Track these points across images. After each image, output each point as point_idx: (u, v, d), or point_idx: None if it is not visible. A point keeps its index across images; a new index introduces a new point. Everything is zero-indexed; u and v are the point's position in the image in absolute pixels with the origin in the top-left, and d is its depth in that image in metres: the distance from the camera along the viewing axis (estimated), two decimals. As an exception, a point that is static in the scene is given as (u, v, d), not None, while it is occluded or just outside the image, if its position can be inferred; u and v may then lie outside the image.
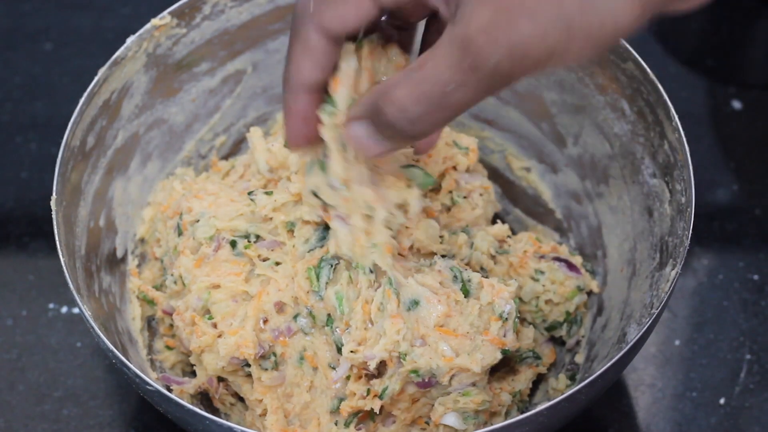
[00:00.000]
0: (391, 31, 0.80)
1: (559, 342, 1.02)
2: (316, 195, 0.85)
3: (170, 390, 0.95)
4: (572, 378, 0.99)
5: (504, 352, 0.87)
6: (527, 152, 1.08)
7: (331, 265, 0.88)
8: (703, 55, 1.28)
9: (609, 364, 0.81)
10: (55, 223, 0.89)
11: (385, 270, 0.86)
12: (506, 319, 0.87)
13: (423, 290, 0.86)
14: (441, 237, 0.95)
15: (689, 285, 1.12)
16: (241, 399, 0.97)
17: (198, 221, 0.95)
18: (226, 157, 1.09)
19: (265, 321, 0.91)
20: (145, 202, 1.03)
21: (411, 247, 0.93)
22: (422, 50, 0.78)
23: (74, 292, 0.86)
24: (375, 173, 0.85)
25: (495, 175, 1.09)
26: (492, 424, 0.82)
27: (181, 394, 0.95)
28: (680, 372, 1.06)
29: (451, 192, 1.00)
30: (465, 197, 1.00)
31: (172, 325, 0.98)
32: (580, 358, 1.00)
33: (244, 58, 1.05)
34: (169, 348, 1.00)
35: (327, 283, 0.88)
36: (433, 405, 0.90)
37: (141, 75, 0.99)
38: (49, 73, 1.27)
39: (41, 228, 1.15)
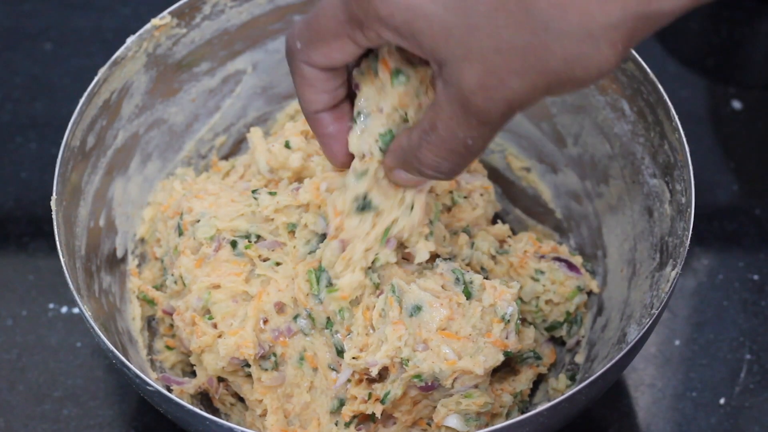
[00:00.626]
0: None
1: (559, 342, 1.02)
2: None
3: (170, 390, 0.95)
4: (572, 378, 0.99)
5: (506, 353, 0.87)
6: (527, 152, 1.08)
7: (331, 267, 0.88)
8: (703, 55, 1.28)
9: (609, 365, 0.81)
10: (55, 223, 0.89)
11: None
12: (508, 320, 0.87)
13: (425, 295, 0.86)
14: (444, 238, 0.95)
15: (689, 285, 1.12)
16: (241, 399, 0.97)
17: (198, 221, 0.95)
18: (226, 157, 1.09)
19: (265, 321, 0.91)
20: (145, 202, 1.03)
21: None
22: None
23: (74, 292, 0.86)
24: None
25: (495, 175, 1.09)
26: (493, 425, 0.82)
27: (181, 394, 0.95)
28: (680, 372, 1.06)
29: (451, 192, 1.00)
30: (465, 197, 1.00)
31: (172, 325, 0.98)
32: (580, 359, 1.00)
33: (244, 58, 1.05)
34: (169, 348, 1.00)
35: (327, 286, 0.88)
36: (434, 407, 0.90)
37: (141, 75, 0.99)
38: (49, 73, 1.27)
39: (41, 228, 1.15)
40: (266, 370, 0.92)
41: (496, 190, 1.08)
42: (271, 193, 0.94)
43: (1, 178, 1.19)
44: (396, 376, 0.86)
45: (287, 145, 0.96)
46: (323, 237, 0.89)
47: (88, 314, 0.85)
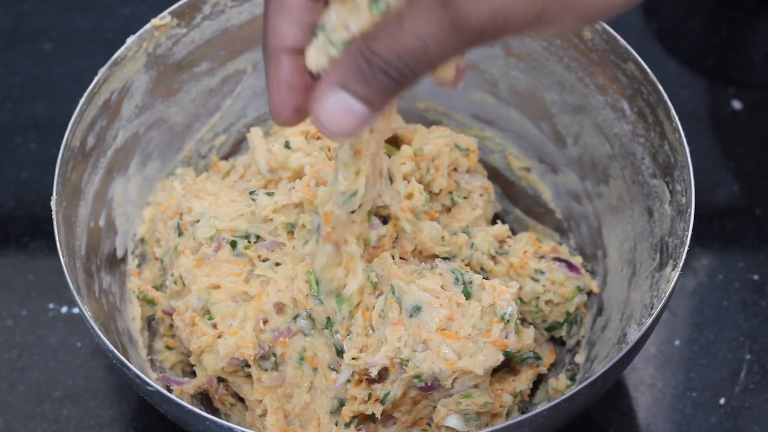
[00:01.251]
0: None
1: (559, 342, 1.02)
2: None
3: (170, 390, 0.95)
4: (572, 378, 0.99)
5: (506, 353, 0.87)
6: (527, 152, 1.08)
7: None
8: (703, 55, 1.28)
9: (609, 365, 0.81)
10: (55, 223, 0.88)
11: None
12: (508, 320, 0.87)
13: (425, 295, 0.86)
14: (442, 238, 0.95)
15: (689, 285, 1.12)
16: (241, 399, 0.97)
17: (198, 221, 0.95)
18: (226, 157, 1.09)
19: (265, 321, 0.91)
20: (145, 202, 1.03)
21: (414, 250, 0.93)
22: None
23: (74, 292, 0.86)
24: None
25: (495, 175, 1.09)
26: (493, 425, 0.82)
27: (181, 394, 0.95)
28: (680, 372, 1.06)
29: (451, 192, 1.00)
30: (465, 197, 1.01)
31: (172, 325, 0.98)
32: (580, 359, 1.00)
33: (244, 58, 1.05)
34: (169, 348, 1.00)
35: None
36: (434, 407, 0.90)
37: (141, 75, 0.99)
38: (49, 73, 1.27)
39: (41, 228, 1.15)
40: (266, 370, 0.92)
41: (496, 190, 1.08)
42: (268, 194, 0.94)
43: (1, 178, 1.19)
44: (396, 377, 0.86)
45: (287, 145, 0.96)
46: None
47: (88, 314, 0.85)
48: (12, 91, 1.26)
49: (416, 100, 1.09)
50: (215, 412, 0.98)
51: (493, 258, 0.99)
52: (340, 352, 0.88)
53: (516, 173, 1.09)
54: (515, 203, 1.10)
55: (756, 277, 1.12)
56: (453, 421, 0.89)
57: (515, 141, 1.08)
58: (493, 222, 1.04)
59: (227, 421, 0.86)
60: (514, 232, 1.05)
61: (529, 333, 0.94)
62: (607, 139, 0.99)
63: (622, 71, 0.94)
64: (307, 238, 0.91)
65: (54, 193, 0.89)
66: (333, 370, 0.90)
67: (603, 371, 0.81)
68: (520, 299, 0.98)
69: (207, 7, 0.99)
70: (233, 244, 0.93)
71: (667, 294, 0.85)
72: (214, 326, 0.92)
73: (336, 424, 0.91)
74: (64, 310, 1.10)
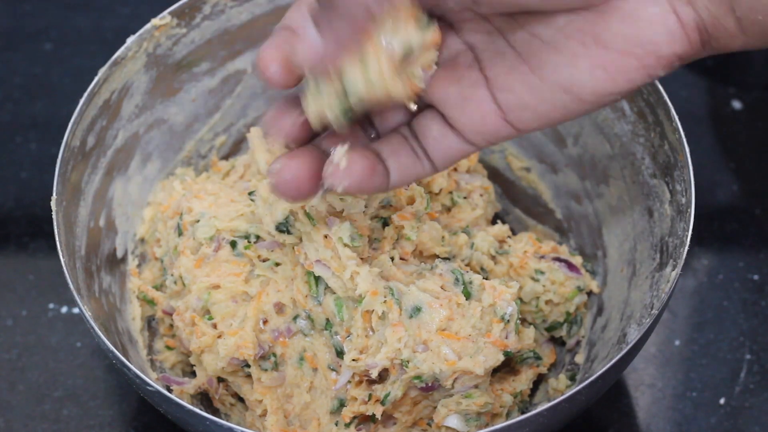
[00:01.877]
0: None
1: (559, 342, 1.02)
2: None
3: (170, 390, 0.95)
4: (572, 378, 0.99)
5: (506, 353, 0.87)
6: (527, 152, 1.08)
7: (331, 270, 0.88)
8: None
9: (609, 365, 0.81)
10: (55, 223, 0.88)
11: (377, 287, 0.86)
12: (508, 320, 0.87)
13: (425, 296, 0.86)
14: (442, 238, 0.95)
15: (689, 285, 1.12)
16: (241, 399, 0.97)
17: (198, 221, 0.95)
18: (226, 157, 1.09)
19: (265, 322, 0.91)
20: (145, 202, 1.03)
21: (414, 250, 0.93)
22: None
23: (74, 292, 0.86)
24: None
25: (495, 175, 1.09)
26: (493, 425, 0.82)
27: (181, 394, 0.95)
28: (680, 372, 1.06)
29: (451, 192, 1.00)
30: (465, 197, 1.00)
31: (172, 325, 0.98)
32: (580, 359, 1.00)
33: (244, 58, 1.05)
34: (169, 348, 1.00)
35: (326, 288, 0.88)
36: (434, 407, 0.90)
37: (141, 75, 0.99)
38: (49, 73, 1.27)
39: (41, 228, 1.15)
40: (266, 370, 0.92)
41: (496, 190, 1.08)
42: (268, 194, 0.94)
43: (1, 178, 1.19)
44: (396, 378, 0.86)
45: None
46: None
47: (88, 314, 0.85)
48: (12, 91, 1.26)
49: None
50: (215, 412, 0.98)
51: (493, 258, 0.99)
52: (340, 353, 0.88)
53: (516, 173, 1.09)
54: (515, 203, 1.10)
55: (756, 277, 1.12)
56: (453, 422, 0.89)
57: (515, 141, 1.08)
58: (493, 222, 1.04)
59: (227, 421, 0.86)
60: (514, 232, 1.05)
61: (530, 333, 0.94)
62: (607, 139, 0.99)
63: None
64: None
65: (54, 193, 0.89)
66: (333, 370, 0.90)
67: (603, 371, 0.81)
68: (520, 299, 0.98)
69: (207, 7, 0.99)
70: (233, 244, 0.93)
71: (667, 294, 0.85)
72: (214, 326, 0.92)
73: (336, 425, 0.91)
74: (64, 310, 1.10)
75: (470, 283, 0.88)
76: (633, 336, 0.90)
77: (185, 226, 0.96)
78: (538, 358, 0.97)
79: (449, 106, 0.72)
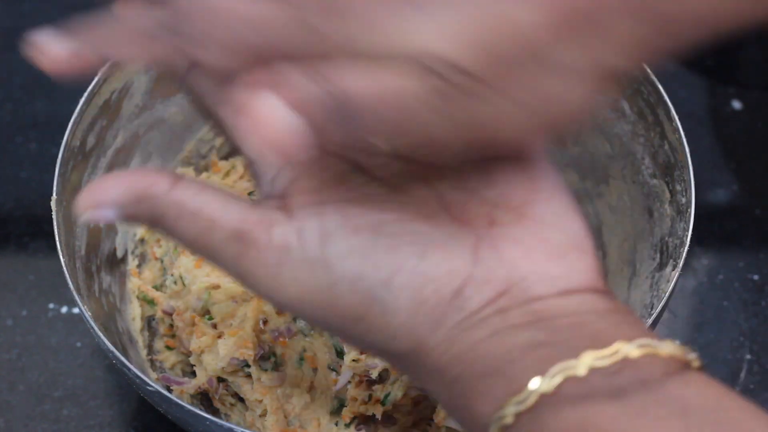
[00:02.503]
0: None
1: (559, 342, 1.02)
2: None
3: (170, 390, 0.95)
4: (572, 378, 0.98)
5: (505, 353, 0.86)
6: (527, 152, 1.08)
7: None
8: (703, 55, 1.28)
9: (609, 365, 0.81)
10: (55, 223, 0.88)
11: None
12: (507, 319, 0.87)
13: None
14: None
15: (689, 285, 1.11)
16: (241, 399, 0.97)
17: (198, 221, 0.94)
18: (226, 157, 1.09)
19: (265, 322, 0.91)
20: (145, 202, 1.03)
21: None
22: None
23: (74, 292, 0.86)
24: None
25: (495, 175, 1.09)
26: (492, 425, 0.82)
27: (181, 394, 0.95)
28: (680, 372, 1.06)
29: (451, 192, 0.99)
30: (465, 197, 1.00)
31: (172, 325, 0.98)
32: (580, 359, 0.99)
33: (244, 58, 1.04)
34: (169, 348, 1.00)
35: None
36: (435, 407, 0.90)
37: (141, 75, 0.99)
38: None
39: (41, 228, 1.15)
40: (266, 370, 0.92)
41: (496, 190, 1.08)
42: (269, 194, 0.94)
43: (1, 178, 1.19)
44: (396, 377, 0.86)
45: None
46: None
47: (88, 314, 0.85)
48: (12, 91, 1.26)
49: (416, 100, 1.09)
50: (215, 412, 0.98)
51: (493, 258, 0.99)
52: (340, 353, 0.88)
53: (516, 173, 1.09)
54: (515, 203, 1.10)
55: (756, 277, 1.12)
56: (454, 422, 0.89)
57: (515, 141, 1.08)
58: (493, 222, 1.04)
59: (227, 421, 0.86)
60: (514, 232, 1.05)
61: (530, 333, 0.94)
62: (607, 139, 0.99)
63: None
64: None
65: (54, 193, 0.89)
66: (333, 370, 0.90)
67: (603, 371, 0.81)
68: (521, 299, 0.98)
69: (207, 7, 0.99)
70: (233, 244, 0.93)
71: (667, 294, 0.85)
72: (214, 326, 0.92)
73: (336, 425, 0.91)
74: (64, 310, 1.10)
75: (471, 282, 0.88)
76: (633, 336, 0.90)
77: (185, 226, 0.95)
78: (538, 358, 0.97)
79: None
